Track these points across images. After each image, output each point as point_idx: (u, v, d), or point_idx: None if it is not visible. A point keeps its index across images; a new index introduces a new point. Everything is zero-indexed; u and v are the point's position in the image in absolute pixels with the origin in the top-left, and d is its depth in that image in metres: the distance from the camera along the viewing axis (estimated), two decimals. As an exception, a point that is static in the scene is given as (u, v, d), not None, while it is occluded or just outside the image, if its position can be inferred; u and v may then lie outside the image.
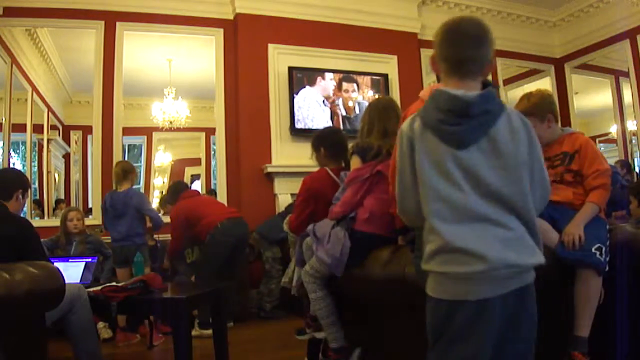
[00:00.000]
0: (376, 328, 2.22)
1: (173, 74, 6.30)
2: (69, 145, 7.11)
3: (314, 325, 2.33)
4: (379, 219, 2.17)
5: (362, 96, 5.45)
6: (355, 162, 2.31)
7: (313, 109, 5.32)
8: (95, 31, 4.97)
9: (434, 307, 1.28)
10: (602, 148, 7.68)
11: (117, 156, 4.87)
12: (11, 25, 4.93)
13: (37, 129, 6.05)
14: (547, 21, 6.85)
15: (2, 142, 5.00)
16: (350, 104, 5.45)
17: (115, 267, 3.86)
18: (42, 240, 2.41)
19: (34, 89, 5.88)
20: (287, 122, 5.24)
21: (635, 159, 6.99)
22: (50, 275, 1.93)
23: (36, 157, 6.29)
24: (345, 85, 5.45)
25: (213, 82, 5.33)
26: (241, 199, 5.05)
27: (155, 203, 7.29)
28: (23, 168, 5.73)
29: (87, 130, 6.18)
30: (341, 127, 5.20)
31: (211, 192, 6.34)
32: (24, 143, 5.89)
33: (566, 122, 6.59)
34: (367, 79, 5.56)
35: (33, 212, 5.75)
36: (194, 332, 3.35)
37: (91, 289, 2.51)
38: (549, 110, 2.10)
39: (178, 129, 6.61)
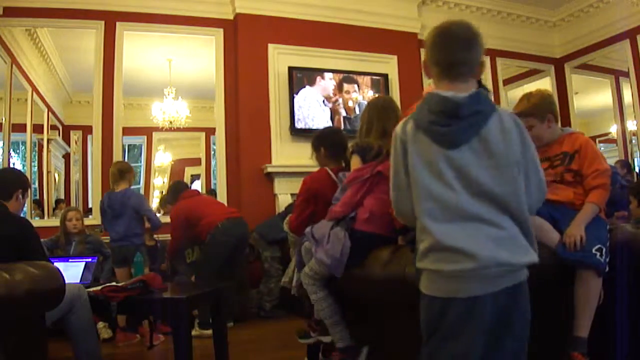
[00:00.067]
0: (377, 328, 2.22)
1: (173, 74, 6.30)
2: (69, 145, 7.11)
3: (319, 329, 2.32)
4: (379, 219, 2.17)
5: (362, 96, 5.45)
6: (355, 162, 2.30)
7: (313, 109, 5.32)
8: (95, 31, 4.97)
9: (427, 305, 1.30)
10: (602, 148, 7.68)
11: (117, 156, 4.87)
12: (11, 25, 4.94)
13: (37, 129, 6.05)
14: (547, 21, 6.85)
15: (2, 142, 5.00)
16: (350, 104, 5.45)
17: (114, 267, 3.86)
18: (41, 240, 2.41)
19: (34, 89, 5.88)
20: (287, 122, 5.24)
21: (635, 159, 6.99)
22: (50, 275, 1.93)
23: (36, 157, 6.29)
24: (345, 85, 5.45)
25: (213, 82, 5.34)
26: (241, 199, 5.05)
27: (155, 203, 7.31)
28: (23, 168, 5.73)
29: (87, 130, 6.18)
30: (341, 127, 5.20)
31: (211, 192, 6.34)
32: (24, 143, 5.89)
33: (566, 122, 6.59)
34: (367, 79, 5.56)
35: (33, 212, 5.75)
36: (194, 332, 3.35)
37: (91, 289, 2.51)
38: (549, 111, 2.10)
39: (178, 129, 6.61)
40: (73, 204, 6.77)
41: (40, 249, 2.28)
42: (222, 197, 5.17)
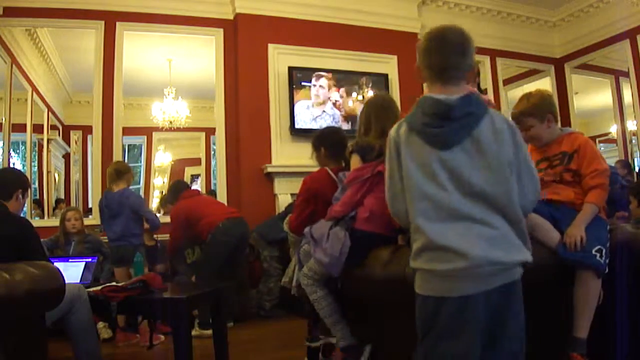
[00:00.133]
0: (377, 328, 2.22)
1: (173, 74, 6.30)
2: (69, 145, 7.11)
3: (327, 330, 2.31)
4: (379, 218, 2.16)
5: (362, 96, 5.45)
6: (355, 162, 2.30)
7: (313, 109, 5.32)
8: (95, 31, 4.97)
9: (421, 304, 1.32)
10: (602, 148, 7.68)
11: (117, 156, 4.87)
12: (11, 25, 4.93)
13: (37, 129, 6.05)
14: (547, 21, 6.85)
15: (2, 142, 5.00)
16: (350, 104, 5.45)
17: (113, 267, 3.86)
18: (41, 240, 2.41)
19: (34, 89, 5.88)
20: (287, 122, 5.24)
21: (635, 159, 6.99)
22: (50, 275, 1.93)
23: (36, 157, 6.29)
24: (345, 85, 5.45)
25: (213, 82, 5.34)
26: (241, 199, 5.05)
27: (155, 203, 7.30)
28: (23, 168, 5.73)
29: (87, 130, 6.18)
30: (342, 127, 5.20)
31: (211, 192, 6.34)
32: (24, 143, 5.89)
33: (566, 122, 6.59)
34: (367, 79, 5.55)
35: (33, 212, 5.75)
36: (194, 332, 3.35)
37: (91, 289, 2.51)
38: (549, 111, 2.10)
39: (178, 129, 6.60)
40: (73, 204, 6.77)
41: (40, 249, 2.28)
42: (222, 197, 5.17)
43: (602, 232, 1.90)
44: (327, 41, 5.46)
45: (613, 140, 7.09)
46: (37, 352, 1.98)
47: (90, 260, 3.19)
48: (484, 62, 6.45)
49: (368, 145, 2.27)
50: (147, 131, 7.18)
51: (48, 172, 6.50)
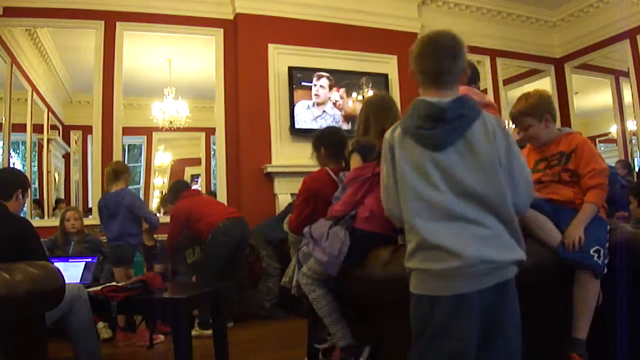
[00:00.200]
0: (376, 328, 2.22)
1: (173, 74, 6.30)
2: (69, 145, 7.12)
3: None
4: (379, 218, 2.16)
5: (362, 96, 5.45)
6: (355, 161, 2.29)
7: (314, 109, 5.32)
8: (95, 31, 4.97)
9: (416, 304, 1.34)
10: (602, 148, 7.69)
11: (117, 156, 4.88)
12: (11, 25, 4.94)
13: (37, 129, 6.06)
14: (547, 21, 6.85)
15: (2, 142, 5.00)
16: (351, 104, 5.45)
17: (111, 267, 3.86)
18: (41, 240, 2.41)
19: (34, 89, 5.89)
20: (287, 122, 5.24)
21: (635, 159, 6.99)
22: (50, 275, 1.93)
23: (36, 157, 6.29)
24: (345, 85, 5.45)
25: (213, 82, 5.34)
26: (241, 199, 5.05)
27: (155, 203, 7.31)
28: (23, 168, 5.73)
29: (87, 130, 6.19)
30: (342, 127, 5.20)
31: (210, 193, 6.34)
32: (24, 143, 5.89)
33: (566, 122, 6.59)
34: (367, 79, 5.55)
35: (33, 212, 5.75)
36: (194, 332, 3.35)
37: (91, 289, 2.51)
38: (547, 110, 2.11)
39: (178, 129, 6.61)
40: (73, 204, 6.78)
41: (40, 249, 2.28)
42: (222, 197, 5.17)
43: (601, 232, 1.90)
44: (327, 41, 5.46)
45: (613, 140, 7.09)
46: (37, 352, 1.98)
47: (90, 260, 3.19)
48: (484, 62, 6.46)
49: (369, 145, 2.27)
50: (147, 131, 7.19)
51: (48, 172, 6.50)
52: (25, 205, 3.15)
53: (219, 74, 5.31)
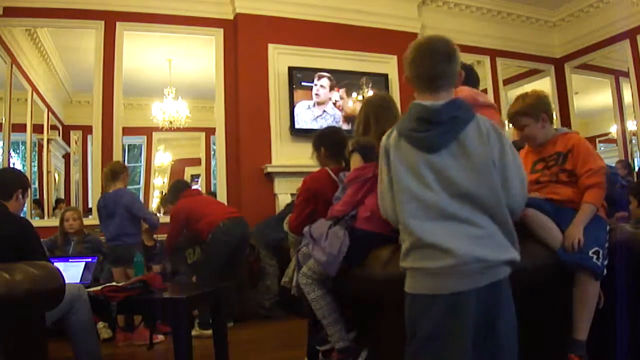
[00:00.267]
0: (376, 328, 2.22)
1: (173, 74, 6.30)
2: (69, 145, 7.12)
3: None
4: (379, 218, 2.14)
5: (362, 96, 5.45)
6: (356, 161, 2.28)
7: (314, 109, 5.32)
8: (95, 31, 4.98)
9: (410, 303, 1.36)
10: (602, 148, 7.69)
11: (117, 156, 4.88)
12: (11, 25, 4.94)
13: (37, 129, 6.06)
14: (547, 21, 6.85)
15: (2, 142, 5.00)
16: (351, 104, 5.45)
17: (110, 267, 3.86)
18: (41, 240, 2.41)
19: (34, 89, 5.89)
20: (287, 122, 5.24)
21: (635, 159, 6.99)
22: (50, 275, 1.93)
23: (36, 157, 6.29)
24: (345, 85, 5.45)
25: (213, 82, 5.34)
26: (241, 199, 5.05)
27: (155, 203, 7.30)
28: (23, 168, 5.73)
29: (87, 130, 6.19)
30: (342, 127, 5.20)
31: (210, 193, 6.34)
32: (24, 143, 5.89)
33: (566, 122, 6.59)
34: (367, 79, 5.55)
35: (33, 212, 5.75)
36: (194, 332, 3.35)
37: (91, 289, 2.51)
38: (544, 110, 2.11)
39: (178, 129, 6.61)
40: (73, 204, 6.78)
41: (40, 249, 2.28)
42: (222, 197, 5.18)
43: (601, 232, 1.90)
44: (327, 41, 5.46)
45: (613, 140, 7.09)
46: (37, 352, 1.98)
47: (90, 260, 3.19)
48: (484, 62, 6.46)
49: (369, 145, 2.26)
50: (147, 131, 7.19)
51: (48, 172, 6.50)
52: (25, 205, 3.15)
53: (219, 74, 5.32)
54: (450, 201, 1.31)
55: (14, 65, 5.17)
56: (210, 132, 6.80)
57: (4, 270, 1.76)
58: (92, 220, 4.67)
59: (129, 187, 4.11)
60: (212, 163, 7.31)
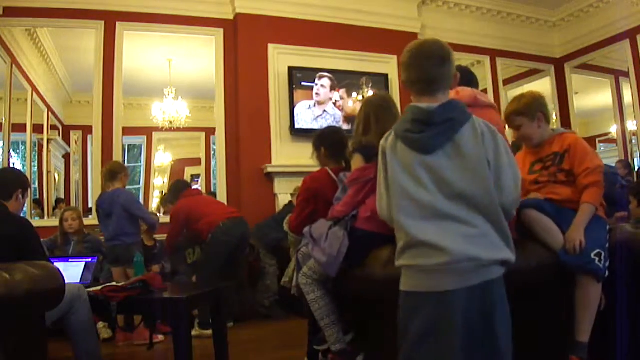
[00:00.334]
0: (376, 328, 2.22)
1: (173, 74, 6.30)
2: (69, 145, 7.12)
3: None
4: (380, 218, 2.16)
5: (362, 96, 5.45)
6: (357, 161, 2.27)
7: (315, 109, 5.32)
8: (95, 31, 4.97)
9: (403, 300, 1.37)
10: (602, 148, 7.69)
11: (117, 156, 4.87)
12: (11, 25, 4.94)
13: (37, 129, 6.06)
14: (547, 21, 6.85)
15: (2, 142, 5.00)
16: (351, 104, 5.45)
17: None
18: (41, 240, 2.41)
19: (34, 89, 5.89)
20: (287, 122, 5.24)
21: (635, 159, 6.99)
22: (50, 275, 1.93)
23: (36, 157, 6.29)
24: (345, 85, 5.45)
25: (213, 82, 5.34)
26: (241, 199, 5.05)
27: (155, 203, 7.30)
28: (23, 168, 5.73)
29: (87, 130, 6.19)
30: (342, 127, 5.20)
31: (210, 194, 6.34)
32: (24, 143, 5.89)
33: (566, 122, 6.59)
34: (367, 79, 5.55)
35: (33, 212, 5.75)
36: (194, 332, 3.35)
37: (91, 289, 2.51)
38: (539, 110, 2.12)
39: (178, 129, 6.61)
40: (73, 204, 6.78)
41: (40, 249, 2.28)
42: (222, 197, 5.17)
43: (601, 232, 1.90)
44: (327, 41, 5.46)
45: (613, 140, 7.09)
46: (37, 352, 1.98)
47: (90, 260, 3.19)
48: (484, 62, 6.46)
49: (371, 145, 2.26)
50: (147, 131, 7.19)
51: (48, 172, 6.50)
52: (25, 205, 3.15)
53: (219, 74, 5.32)
54: (445, 201, 1.33)
55: (14, 65, 5.17)
56: (210, 132, 6.80)
57: (4, 270, 1.76)
58: (92, 220, 4.67)
59: (130, 187, 4.11)
60: (212, 163, 7.31)
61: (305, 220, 2.49)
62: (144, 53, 5.73)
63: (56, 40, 5.70)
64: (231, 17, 5.37)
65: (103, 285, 2.54)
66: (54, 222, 4.43)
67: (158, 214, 5.47)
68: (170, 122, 6.48)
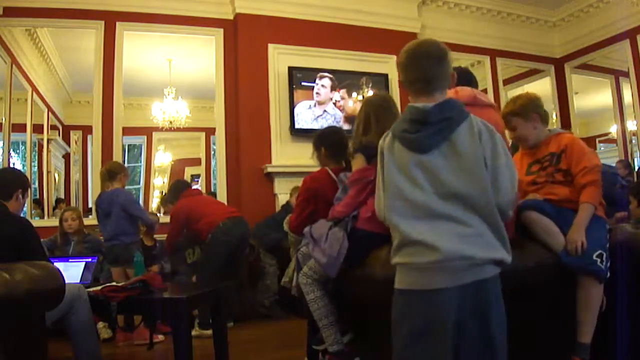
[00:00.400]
0: (376, 328, 2.22)
1: (173, 74, 6.30)
2: (69, 145, 7.12)
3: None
4: (380, 218, 2.16)
5: (362, 96, 5.45)
6: (359, 162, 2.27)
7: (315, 109, 5.32)
8: (95, 31, 4.98)
9: (397, 297, 1.37)
10: (602, 148, 7.68)
11: (117, 156, 4.88)
12: (11, 25, 4.94)
13: (37, 129, 6.06)
14: (547, 21, 6.85)
15: (2, 142, 5.00)
16: (351, 104, 5.45)
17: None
18: (41, 240, 2.41)
19: (34, 89, 5.89)
20: (287, 122, 5.24)
21: (635, 159, 6.99)
22: (50, 275, 1.93)
23: (36, 157, 6.29)
24: (345, 85, 5.45)
25: (213, 82, 5.34)
26: (241, 199, 5.05)
27: (155, 203, 7.30)
28: (23, 168, 5.73)
29: (87, 130, 6.19)
30: (343, 127, 5.19)
31: (210, 194, 6.34)
32: (24, 143, 5.89)
33: (566, 122, 6.59)
34: (367, 79, 5.55)
35: (33, 212, 5.75)
36: (194, 332, 3.35)
37: (91, 289, 2.51)
38: (534, 111, 2.12)
39: (178, 129, 6.61)
40: (73, 204, 6.78)
41: (40, 249, 2.28)
42: (222, 197, 5.17)
43: (602, 232, 1.90)
44: (327, 41, 5.46)
45: (613, 140, 7.09)
46: (37, 352, 1.98)
47: (90, 260, 3.19)
48: (484, 62, 6.46)
49: (372, 146, 2.25)
50: (147, 131, 7.19)
51: (48, 172, 6.50)
52: (25, 205, 3.15)
53: (219, 74, 5.32)
54: (440, 201, 1.33)
55: (14, 65, 5.17)
56: (210, 132, 6.80)
57: (4, 270, 1.76)
58: (92, 220, 4.67)
59: (129, 187, 4.11)
60: (212, 163, 7.31)
61: (305, 220, 2.48)
62: (144, 53, 5.73)
63: (56, 40, 5.70)
64: (231, 17, 5.37)
65: (103, 285, 2.54)
66: (54, 222, 4.43)
67: (158, 214, 5.47)
68: (170, 122, 6.48)
